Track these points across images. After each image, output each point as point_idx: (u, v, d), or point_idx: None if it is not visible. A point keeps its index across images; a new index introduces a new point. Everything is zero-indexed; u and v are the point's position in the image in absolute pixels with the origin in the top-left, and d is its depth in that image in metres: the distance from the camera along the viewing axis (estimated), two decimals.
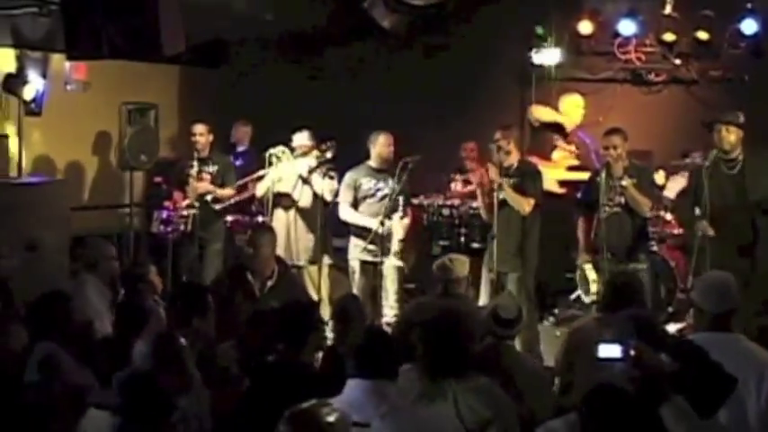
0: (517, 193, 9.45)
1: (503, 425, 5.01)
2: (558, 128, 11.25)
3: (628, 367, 4.79)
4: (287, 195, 10.43)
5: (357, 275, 10.36)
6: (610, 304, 6.75)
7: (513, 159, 9.62)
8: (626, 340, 4.91)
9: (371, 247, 10.02)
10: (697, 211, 9.20)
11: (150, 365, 5.07)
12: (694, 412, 4.68)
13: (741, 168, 9.05)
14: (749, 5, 11.39)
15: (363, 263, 10.29)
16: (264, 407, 5.18)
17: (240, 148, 12.57)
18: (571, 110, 11.12)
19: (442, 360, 5.08)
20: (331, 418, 3.94)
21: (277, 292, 8.50)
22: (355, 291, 10.26)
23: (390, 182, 10.06)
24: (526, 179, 9.59)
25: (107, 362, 5.82)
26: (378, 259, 10.07)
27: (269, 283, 8.62)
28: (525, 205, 9.48)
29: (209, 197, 11.00)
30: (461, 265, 7.82)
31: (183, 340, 5.38)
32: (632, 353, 4.94)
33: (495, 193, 9.33)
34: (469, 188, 11.38)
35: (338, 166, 10.32)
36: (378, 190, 10.19)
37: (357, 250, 10.26)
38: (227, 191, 11.10)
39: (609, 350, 4.90)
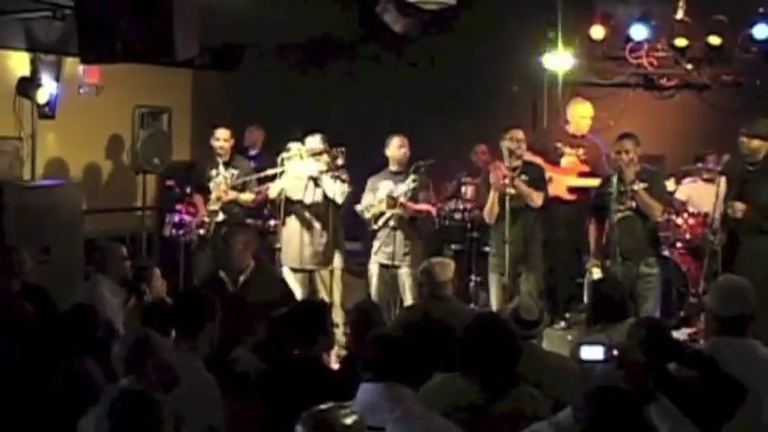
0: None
1: None
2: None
3: (611, 368, 4.85)
4: (298, 199, 10.45)
5: (375, 279, 10.50)
6: (593, 318, 6.88)
7: (517, 162, 9.73)
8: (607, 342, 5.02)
9: (387, 249, 10.16)
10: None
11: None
12: (680, 413, 4.73)
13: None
14: (761, 10, 11.39)
15: (381, 266, 10.37)
16: (282, 407, 5.23)
17: (252, 152, 12.57)
18: (576, 119, 11.09)
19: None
20: (348, 421, 3.95)
21: (250, 288, 8.57)
22: (372, 295, 10.37)
23: (407, 182, 10.21)
24: (534, 176, 9.76)
25: None
26: (394, 262, 10.16)
27: (241, 279, 8.66)
28: (537, 198, 9.61)
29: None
30: (445, 268, 7.88)
31: None
32: (615, 353, 5.00)
33: (506, 197, 9.42)
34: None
35: (350, 169, 10.35)
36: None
37: (375, 253, 10.46)
38: (249, 195, 11.13)
39: (591, 352, 5.04)
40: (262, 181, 10.89)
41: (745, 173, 9.04)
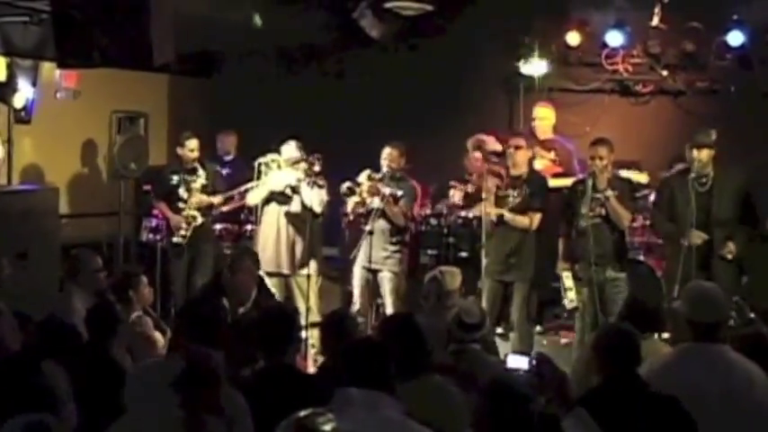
0: (524, 205, 9.73)
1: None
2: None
3: (531, 377, 4.96)
4: (276, 205, 10.46)
5: (357, 281, 10.57)
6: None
7: (522, 169, 9.76)
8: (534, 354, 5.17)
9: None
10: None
11: None
12: (596, 426, 4.79)
13: (710, 187, 9.18)
14: (736, 17, 11.45)
15: (364, 269, 10.44)
16: (258, 415, 5.23)
17: (227, 158, 12.56)
18: (537, 121, 11.22)
19: None
20: (327, 427, 3.96)
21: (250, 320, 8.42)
22: (355, 298, 10.41)
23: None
24: (534, 192, 9.80)
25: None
26: (374, 266, 10.20)
27: (241, 310, 8.26)
28: (527, 223, 9.72)
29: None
30: (453, 277, 7.91)
31: None
32: (534, 363, 5.12)
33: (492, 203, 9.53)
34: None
35: (328, 176, 10.37)
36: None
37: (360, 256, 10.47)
38: (218, 198, 11.14)
39: (517, 361, 5.64)
40: (241, 193, 10.88)
41: (697, 186, 9.11)
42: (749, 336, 6.15)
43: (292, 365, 6.13)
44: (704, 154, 9.06)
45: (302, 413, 4.02)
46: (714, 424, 4.89)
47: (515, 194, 9.75)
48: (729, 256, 9.05)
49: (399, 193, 10.20)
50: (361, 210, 10.41)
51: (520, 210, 9.72)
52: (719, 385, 5.42)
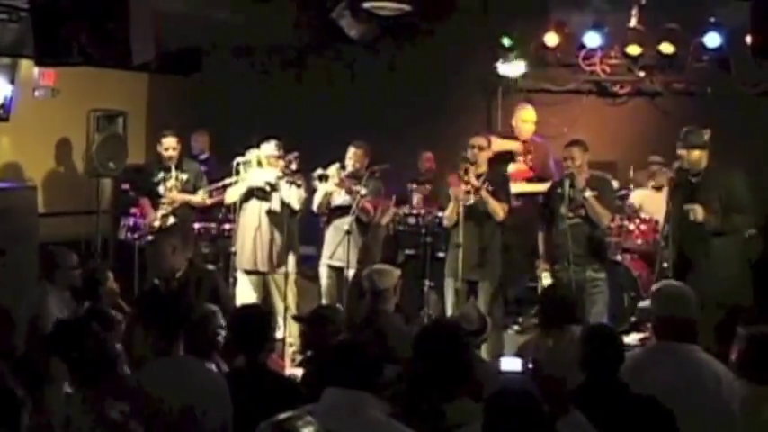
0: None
1: None
2: (508, 156, 11.27)
3: (526, 380, 4.98)
4: (255, 203, 10.48)
5: (325, 281, 10.60)
6: (546, 320, 6.97)
7: (483, 168, 9.77)
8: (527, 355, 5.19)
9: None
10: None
11: None
12: (592, 427, 4.82)
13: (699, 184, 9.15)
14: (713, 19, 11.52)
15: (333, 269, 10.47)
16: (238, 417, 5.25)
17: (202, 157, 12.56)
18: (519, 123, 11.22)
19: None
20: (307, 430, 3.96)
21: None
22: (323, 298, 10.44)
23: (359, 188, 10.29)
24: (498, 187, 9.78)
25: None
26: (343, 264, 10.23)
27: (174, 285, 8.62)
28: (501, 211, 9.66)
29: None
30: (386, 276, 7.90)
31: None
32: (530, 366, 5.15)
33: (460, 202, 9.50)
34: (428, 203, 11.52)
35: (305, 174, 10.39)
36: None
37: (329, 256, 10.53)
38: (200, 197, 11.14)
39: (510, 363, 5.51)
40: (219, 188, 10.88)
41: (689, 183, 9.11)
42: None
43: (265, 366, 6.14)
44: (695, 155, 9.00)
45: (282, 416, 4.00)
46: (683, 422, 4.92)
47: (477, 196, 9.73)
48: (692, 217, 8.92)
49: (364, 191, 10.23)
50: (330, 201, 10.49)
51: (483, 209, 9.73)
52: (689, 383, 5.49)
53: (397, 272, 8.13)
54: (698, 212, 8.79)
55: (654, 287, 6.37)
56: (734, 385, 5.56)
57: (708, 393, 5.61)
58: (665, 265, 9.14)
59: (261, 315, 6.47)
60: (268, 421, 3.95)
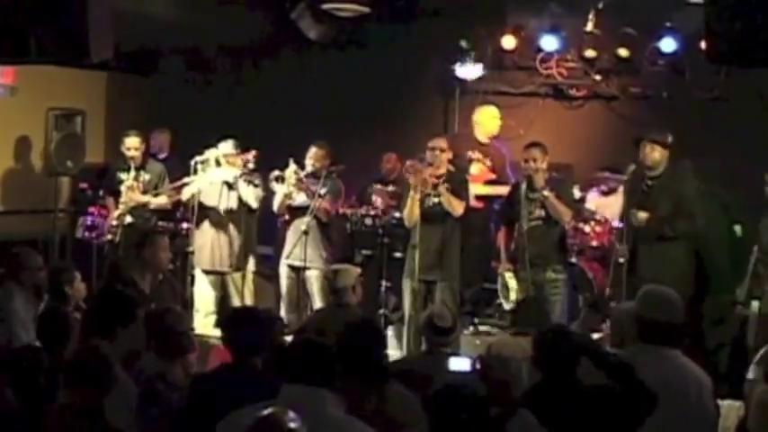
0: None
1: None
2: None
3: (474, 380, 5.04)
4: (213, 202, 10.49)
5: (284, 281, 10.62)
6: (519, 321, 7.09)
7: (442, 170, 9.82)
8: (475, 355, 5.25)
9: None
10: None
11: None
12: (540, 424, 4.88)
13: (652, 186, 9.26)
14: (669, 24, 11.61)
15: (291, 268, 10.50)
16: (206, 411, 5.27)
17: (161, 156, 12.48)
18: (487, 120, 11.23)
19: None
20: (293, 425, 3.99)
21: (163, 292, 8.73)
22: (282, 297, 10.49)
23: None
24: (457, 186, 9.82)
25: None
26: (305, 265, 10.26)
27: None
28: (459, 207, 9.70)
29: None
30: (344, 274, 8.01)
31: None
32: (478, 366, 5.20)
33: (417, 201, 9.56)
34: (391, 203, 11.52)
35: (263, 173, 10.43)
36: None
37: (287, 256, 10.50)
38: (162, 199, 11.13)
39: (459, 363, 5.64)
40: (177, 187, 10.88)
41: (644, 186, 9.21)
42: None
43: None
44: (657, 153, 9.13)
45: (266, 411, 4.04)
46: (666, 427, 4.99)
47: (436, 193, 9.79)
48: (634, 222, 9.11)
49: (323, 190, 10.25)
50: (289, 202, 10.50)
51: (441, 210, 9.79)
52: (673, 388, 5.50)
53: (357, 270, 8.22)
54: (640, 218, 9.04)
55: (639, 291, 6.33)
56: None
57: (690, 398, 5.68)
58: (621, 260, 9.25)
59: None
60: (254, 416, 4.02)
